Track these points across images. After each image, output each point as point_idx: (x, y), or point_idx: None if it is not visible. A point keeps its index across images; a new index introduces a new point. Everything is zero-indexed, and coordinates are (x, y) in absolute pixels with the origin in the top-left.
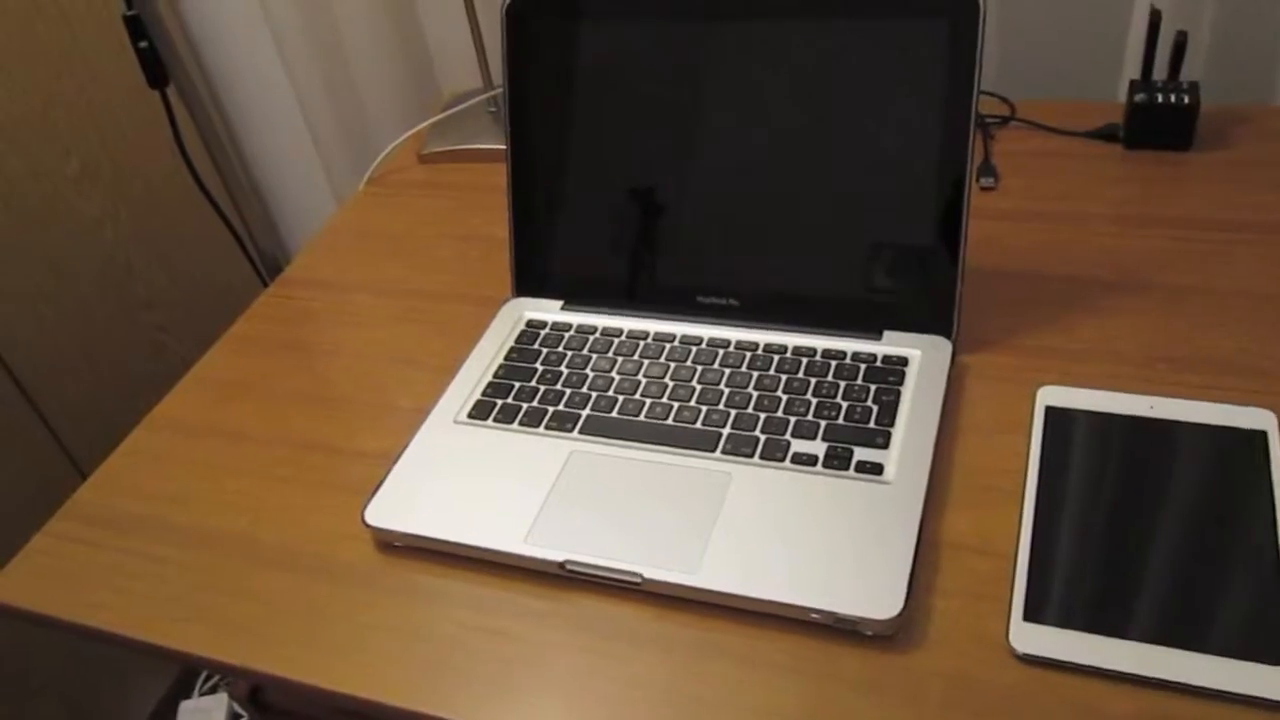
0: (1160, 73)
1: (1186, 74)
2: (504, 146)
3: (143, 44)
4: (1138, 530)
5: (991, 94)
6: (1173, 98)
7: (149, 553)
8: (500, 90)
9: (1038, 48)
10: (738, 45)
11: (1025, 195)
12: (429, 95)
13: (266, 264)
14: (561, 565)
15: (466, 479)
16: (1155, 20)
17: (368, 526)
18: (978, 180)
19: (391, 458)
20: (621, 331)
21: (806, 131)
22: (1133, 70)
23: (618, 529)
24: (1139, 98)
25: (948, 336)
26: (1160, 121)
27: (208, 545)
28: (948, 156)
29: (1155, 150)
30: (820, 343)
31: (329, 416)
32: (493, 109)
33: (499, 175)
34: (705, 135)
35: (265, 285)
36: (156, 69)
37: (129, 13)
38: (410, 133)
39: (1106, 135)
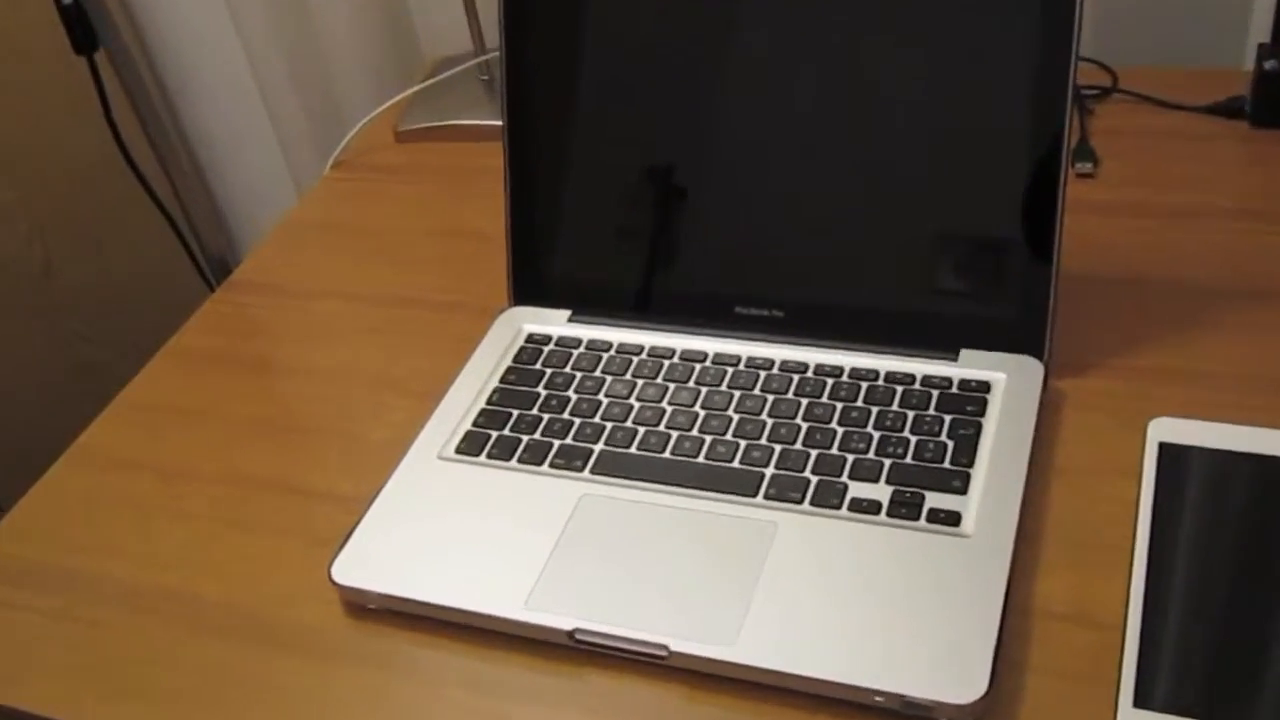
0: None
1: None
2: (500, 122)
3: (66, 1)
4: (1273, 597)
5: (1089, 60)
6: None
7: (73, 615)
8: (495, 54)
9: (1144, 4)
10: (780, 11)
11: (1130, 183)
12: (409, 60)
13: (213, 264)
14: (571, 635)
15: (455, 528)
16: None
17: (335, 585)
18: (1073, 165)
19: (364, 501)
20: (642, 349)
21: (867, 108)
22: (1261, 32)
23: (639, 591)
24: (1269, 65)
25: (1039, 357)
26: None
27: (143, 606)
28: (1039, 137)
29: None
30: (884, 364)
31: (288, 450)
32: (485, 76)
33: (494, 157)
34: (745, 112)
35: (211, 289)
36: (83, 31)
37: None
38: (386, 105)
39: (1229, 110)
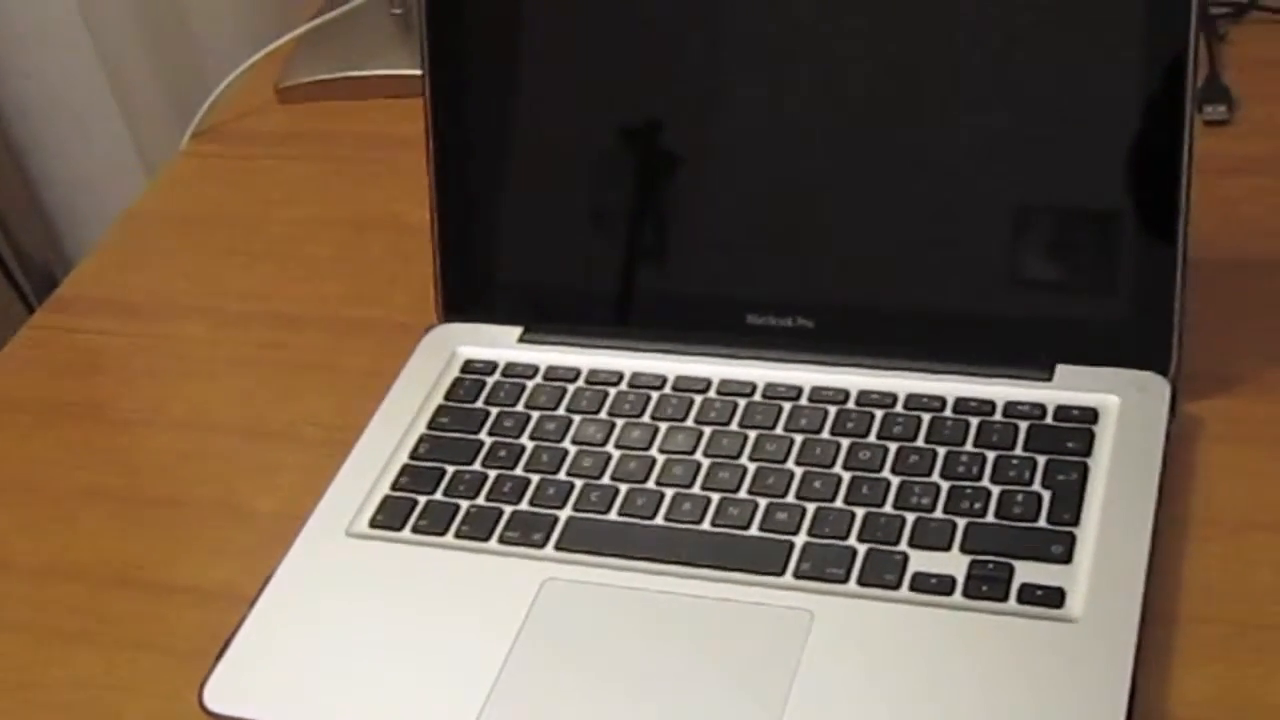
0: None
1: None
2: (419, 72)
3: None
4: None
5: None
6: None
7: None
8: None
9: None
10: None
11: (1276, 131)
12: None
13: (32, 275)
14: None
15: (372, 631)
16: None
17: (208, 713)
18: (1200, 110)
19: (246, 597)
20: (621, 376)
21: (917, 50)
22: None
23: (626, 711)
24: None
25: (1163, 372)
26: None
27: None
28: (1152, 74)
29: None
30: (951, 388)
31: (139, 531)
32: (398, 9)
33: (412, 120)
34: (759, 52)
35: (30, 310)
36: None
37: None
38: (263, 53)
39: None
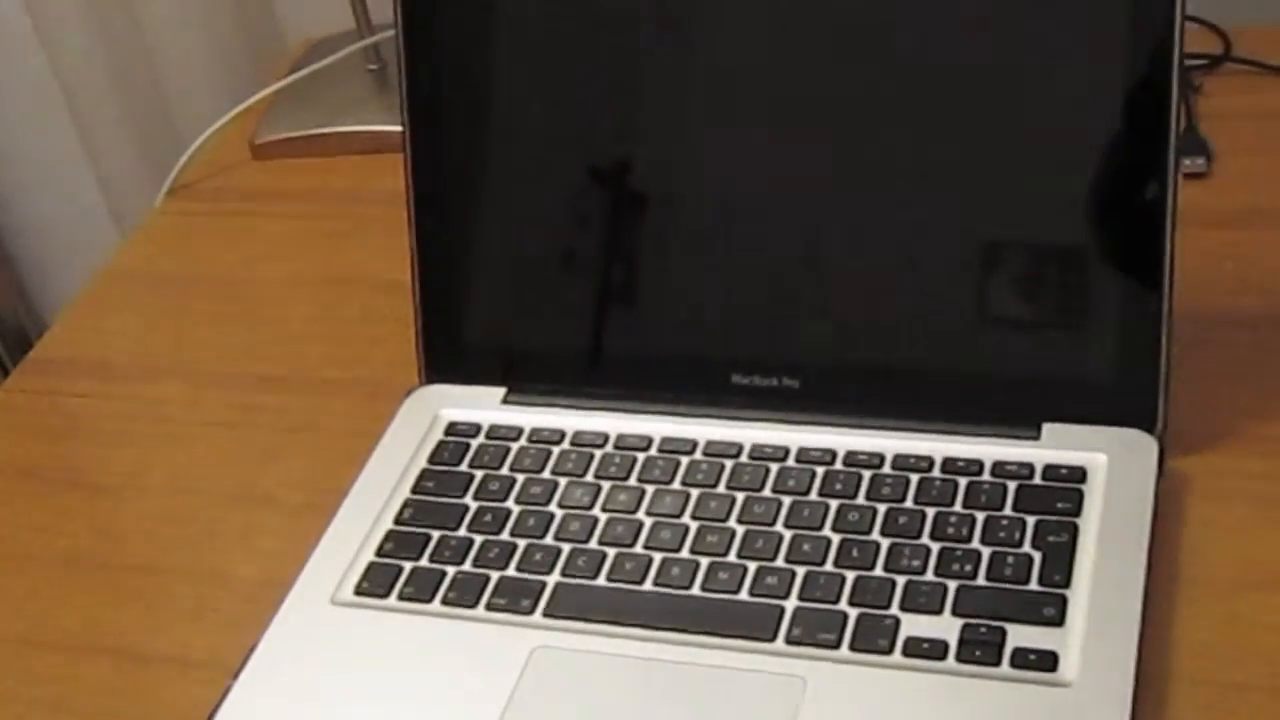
0: None
1: None
2: (398, 128)
3: None
4: None
5: (1193, 19)
6: None
7: None
8: (388, 34)
9: None
10: None
11: (1256, 182)
12: (268, 46)
13: (6, 336)
14: None
15: (358, 702)
16: None
17: None
18: (1179, 161)
19: (228, 669)
20: (606, 438)
21: (902, 102)
22: None
23: None
24: None
25: (1150, 429)
26: None
27: None
28: (1134, 136)
29: None
30: (939, 447)
31: (120, 597)
32: (375, 65)
33: (391, 175)
34: (741, 109)
35: (4, 372)
36: None
37: None
38: (238, 109)
39: None
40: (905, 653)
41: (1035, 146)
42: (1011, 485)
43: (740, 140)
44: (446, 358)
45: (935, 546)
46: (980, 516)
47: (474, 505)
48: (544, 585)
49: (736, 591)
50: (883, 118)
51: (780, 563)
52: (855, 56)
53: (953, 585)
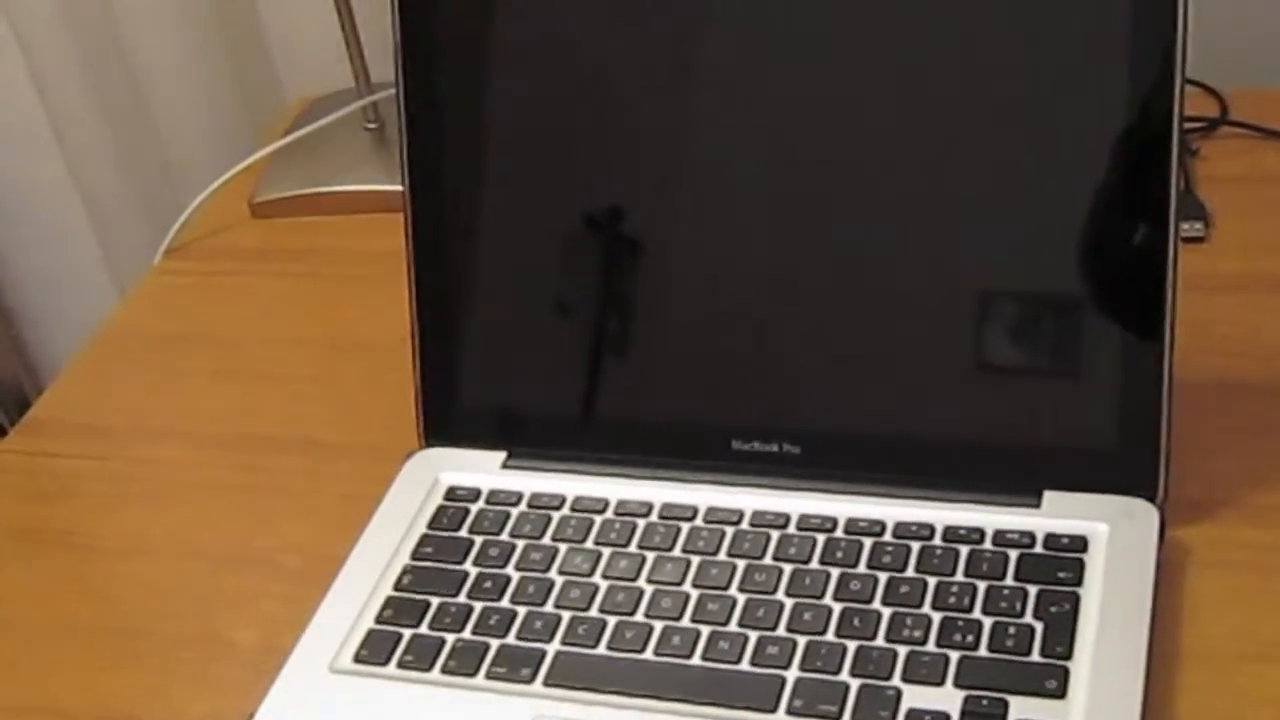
0: None
1: None
2: (398, 187)
3: None
4: None
5: (1191, 83)
6: None
7: None
8: (388, 93)
9: (1255, 10)
10: (779, 24)
11: (1254, 248)
12: (266, 105)
13: (3, 397)
14: None
15: None
16: None
17: None
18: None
19: None
20: (606, 504)
21: (902, 168)
22: None
23: None
24: None
25: (1151, 498)
26: None
27: None
28: (1134, 199)
29: None
30: (940, 515)
31: (115, 665)
32: (373, 123)
33: (391, 235)
34: (739, 177)
35: (2, 433)
36: None
37: None
38: (238, 169)
39: None
40: None
41: (1036, 210)
42: (1013, 554)
43: (737, 206)
44: (447, 420)
45: (937, 616)
46: (982, 586)
47: (474, 571)
48: (544, 654)
49: (738, 661)
50: (884, 178)
51: (781, 632)
52: (851, 116)
53: (954, 656)
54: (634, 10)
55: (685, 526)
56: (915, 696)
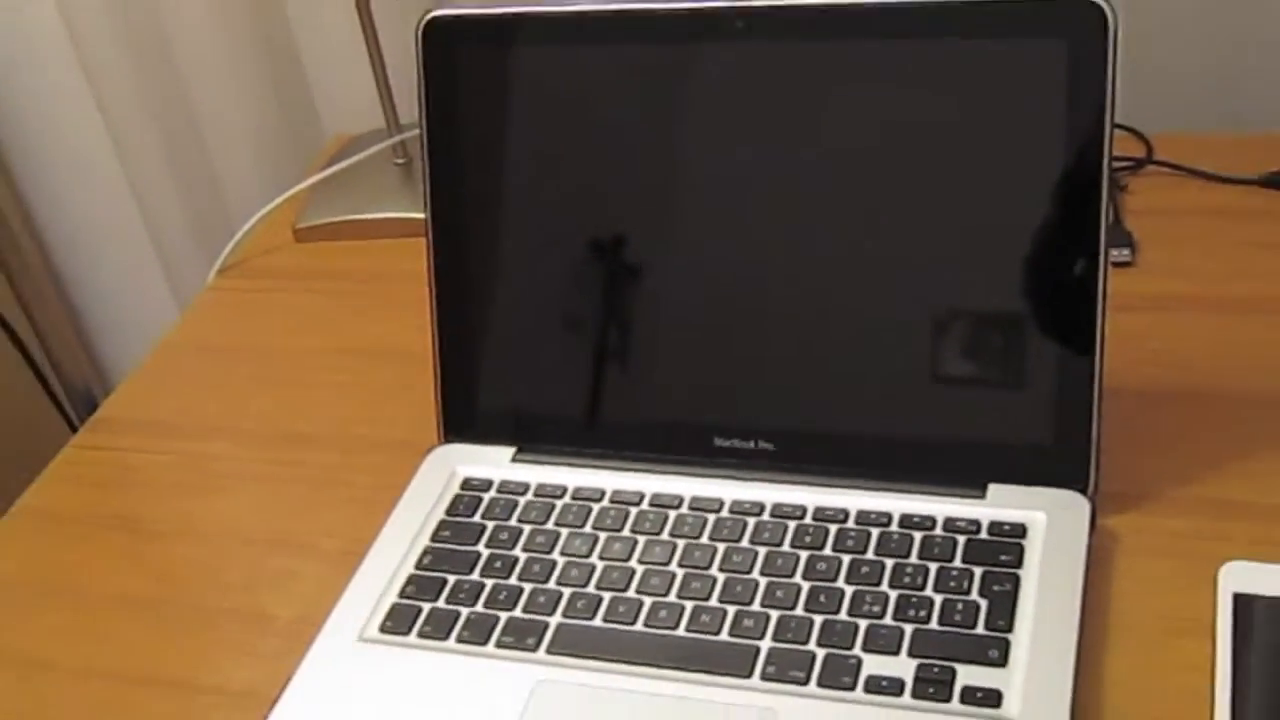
0: None
1: None
2: (422, 215)
3: None
4: None
5: (1119, 126)
6: None
7: None
8: (413, 133)
9: (1177, 63)
10: (761, 81)
11: (1176, 272)
12: (308, 142)
13: (75, 398)
14: None
15: None
16: None
17: None
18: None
19: (266, 699)
20: (603, 493)
21: (866, 200)
22: None
23: None
24: None
25: (1083, 491)
26: None
27: None
28: (1070, 230)
29: None
30: (897, 505)
31: (170, 634)
32: (402, 159)
33: (415, 257)
34: (717, 209)
35: (73, 430)
36: None
37: None
38: (282, 198)
39: None
40: (866, 689)
41: (983, 242)
42: (961, 539)
43: (722, 240)
44: (463, 420)
45: (893, 594)
46: (933, 567)
47: (485, 553)
48: (547, 625)
49: (717, 632)
50: (852, 219)
51: (756, 607)
52: (828, 163)
53: (909, 629)
54: (636, 75)
55: (672, 514)
56: (874, 665)
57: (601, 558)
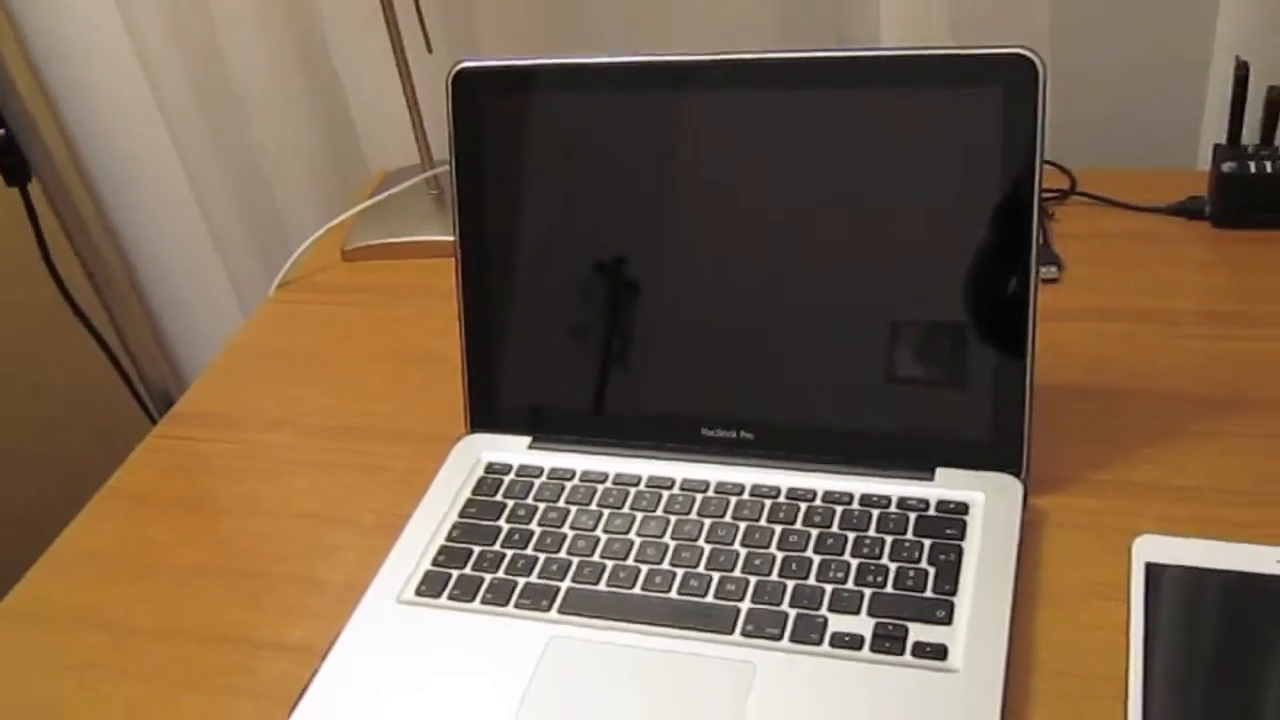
0: (1250, 135)
1: None
2: (450, 238)
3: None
4: None
5: (1047, 162)
6: (1268, 166)
7: None
8: (444, 168)
9: (1098, 106)
10: (739, 123)
11: (1096, 287)
12: (355, 175)
13: (155, 395)
14: None
15: (417, 679)
16: (1242, 74)
17: None
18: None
19: (317, 651)
20: (606, 476)
21: (831, 227)
22: (1214, 132)
23: None
24: (1228, 167)
25: (1017, 474)
26: (1255, 194)
27: None
28: (1006, 251)
29: (1251, 229)
30: (858, 486)
31: (236, 598)
32: (435, 190)
33: (445, 275)
34: (703, 231)
35: (153, 423)
36: (16, 163)
37: None
38: (332, 224)
39: (1189, 211)
40: (831, 644)
41: (932, 262)
42: (912, 516)
43: (710, 261)
44: (486, 413)
45: (854, 562)
46: (888, 539)
47: (505, 527)
48: (558, 589)
49: (704, 595)
50: (818, 242)
51: (737, 573)
52: (799, 194)
53: (868, 592)
54: (632, 116)
55: (665, 493)
56: (838, 623)
57: (605, 531)
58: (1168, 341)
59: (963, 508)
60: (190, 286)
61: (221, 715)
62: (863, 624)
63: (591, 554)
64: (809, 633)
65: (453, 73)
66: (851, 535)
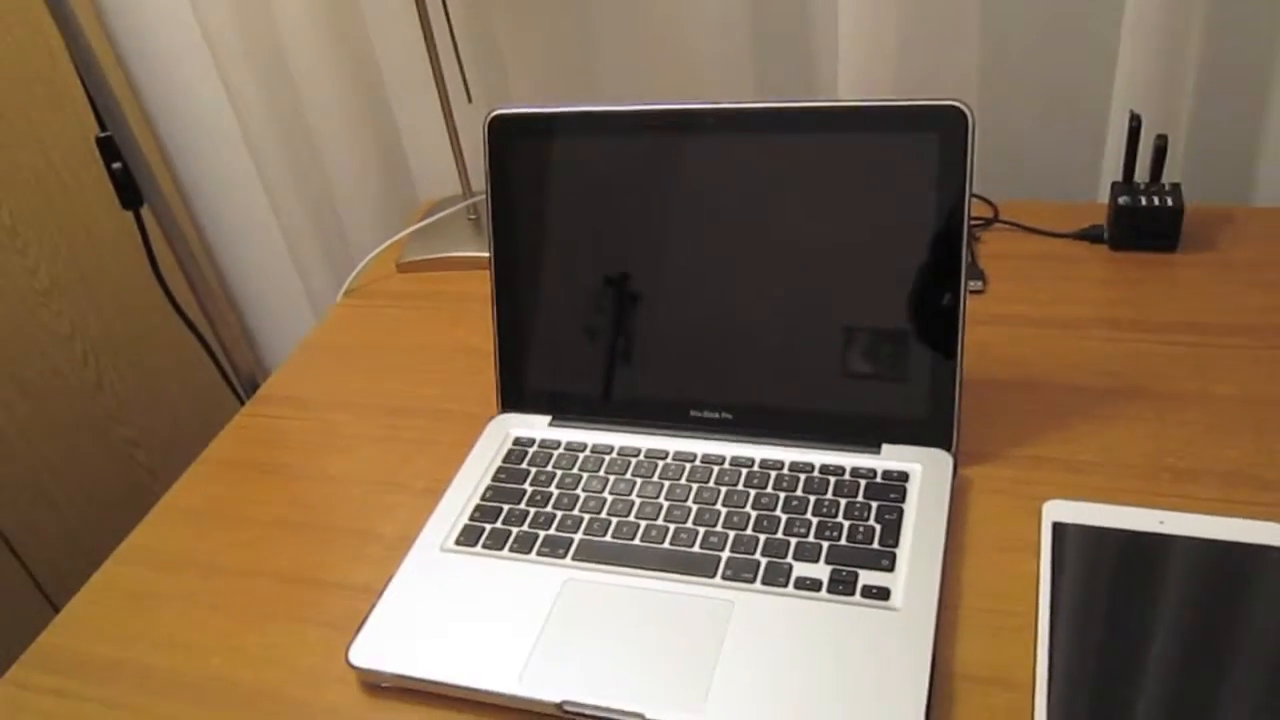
0: (1141, 174)
1: (1166, 175)
2: (485, 254)
3: (116, 165)
4: (1159, 654)
5: (976, 196)
6: (1156, 200)
7: (124, 703)
8: (480, 197)
9: (1017, 149)
10: (724, 160)
11: (1014, 299)
12: (407, 204)
13: (243, 381)
14: (559, 706)
15: (456, 613)
16: (1135, 125)
17: (353, 667)
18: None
19: (376, 591)
20: (612, 448)
21: (798, 245)
22: (1113, 170)
23: (618, 665)
24: (1122, 200)
25: (948, 449)
26: (1145, 223)
27: (186, 694)
28: (940, 267)
29: (1141, 252)
30: (818, 458)
31: (309, 546)
32: (473, 216)
33: (480, 283)
34: (693, 249)
35: (241, 404)
36: (130, 190)
37: (102, 134)
38: (389, 242)
39: (1091, 237)
40: (795, 587)
41: (879, 278)
42: (862, 482)
43: (698, 276)
44: (514, 397)
45: (814, 520)
46: (843, 502)
47: (529, 490)
48: (572, 541)
49: (692, 546)
50: (785, 261)
51: (719, 528)
52: (771, 222)
53: (825, 545)
54: (638, 155)
55: (660, 463)
56: (801, 569)
57: (611, 493)
58: (1073, 343)
59: (904, 476)
60: (272, 294)
61: (297, 640)
62: (821, 570)
63: (600, 512)
64: (777, 577)
65: (488, 119)
66: (812, 498)
